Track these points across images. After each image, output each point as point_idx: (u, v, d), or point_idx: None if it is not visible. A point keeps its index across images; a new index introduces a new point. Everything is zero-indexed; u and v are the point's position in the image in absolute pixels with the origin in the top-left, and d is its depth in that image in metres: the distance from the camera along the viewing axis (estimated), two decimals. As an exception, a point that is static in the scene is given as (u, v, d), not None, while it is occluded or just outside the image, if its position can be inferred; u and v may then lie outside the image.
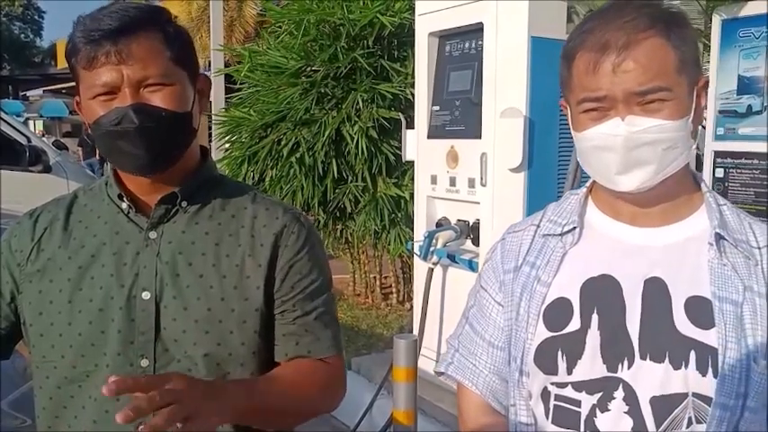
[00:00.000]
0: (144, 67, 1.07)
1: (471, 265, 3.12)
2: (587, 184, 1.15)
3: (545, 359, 1.04)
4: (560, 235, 1.10)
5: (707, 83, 1.05)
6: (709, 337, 0.97)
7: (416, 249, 3.38)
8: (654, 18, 0.98)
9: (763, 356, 0.96)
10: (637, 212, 1.06)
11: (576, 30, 1.06)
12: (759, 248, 1.02)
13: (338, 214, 4.99)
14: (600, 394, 1.00)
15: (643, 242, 1.05)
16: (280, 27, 5.14)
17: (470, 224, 3.25)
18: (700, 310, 0.98)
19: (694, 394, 0.97)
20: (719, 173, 2.55)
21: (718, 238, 1.01)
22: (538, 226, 1.14)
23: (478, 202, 3.13)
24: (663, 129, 0.97)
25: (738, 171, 2.50)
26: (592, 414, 1.01)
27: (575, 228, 1.09)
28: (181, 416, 0.87)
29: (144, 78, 1.07)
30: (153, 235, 1.15)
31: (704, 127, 2.71)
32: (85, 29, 1.07)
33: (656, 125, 0.97)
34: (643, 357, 0.99)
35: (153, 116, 1.08)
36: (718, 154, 2.56)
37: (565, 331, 1.03)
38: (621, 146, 0.98)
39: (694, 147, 1.03)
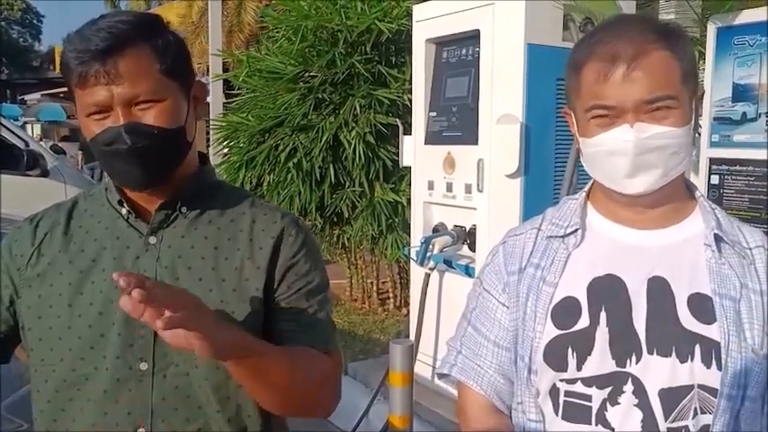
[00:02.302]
0: (134, 85, 1.07)
1: (468, 271, 3.13)
2: (585, 189, 1.20)
3: (555, 356, 1.08)
4: (563, 237, 1.15)
5: (703, 94, 1.10)
6: (711, 332, 1.03)
7: (413, 255, 3.39)
8: (658, 32, 1.05)
9: (762, 348, 1.03)
10: (636, 216, 1.12)
11: (582, 41, 1.12)
12: (750, 249, 1.09)
13: (335, 219, 4.99)
14: (610, 389, 1.05)
15: (643, 243, 1.11)
16: (278, 33, 5.16)
17: (467, 230, 3.26)
18: (701, 307, 1.04)
19: (699, 386, 1.03)
20: (715, 179, 2.56)
21: (717, 239, 1.08)
22: (539, 229, 1.18)
23: (475, 208, 3.15)
24: (669, 135, 1.03)
25: (733, 178, 2.51)
26: (602, 408, 1.05)
27: (577, 230, 1.14)
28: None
29: (134, 96, 1.07)
30: (153, 240, 1.16)
31: (699, 134, 2.73)
32: (75, 49, 1.07)
33: (663, 131, 1.03)
34: (650, 352, 1.04)
35: (145, 135, 1.08)
36: (713, 161, 2.57)
37: (574, 329, 1.07)
38: (631, 151, 1.03)
39: (694, 153, 1.10)
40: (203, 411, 1.13)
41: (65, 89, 1.19)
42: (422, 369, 3.26)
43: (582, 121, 1.10)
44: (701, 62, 2.76)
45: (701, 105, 1.12)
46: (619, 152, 1.04)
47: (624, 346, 1.05)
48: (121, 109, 1.07)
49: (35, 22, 41.55)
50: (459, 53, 3.30)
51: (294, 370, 1.11)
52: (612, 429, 1.04)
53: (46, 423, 1.16)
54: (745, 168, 2.47)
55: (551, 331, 1.09)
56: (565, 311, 1.09)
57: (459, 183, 3.22)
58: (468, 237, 3.25)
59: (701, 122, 2.63)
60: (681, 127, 1.04)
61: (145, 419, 1.11)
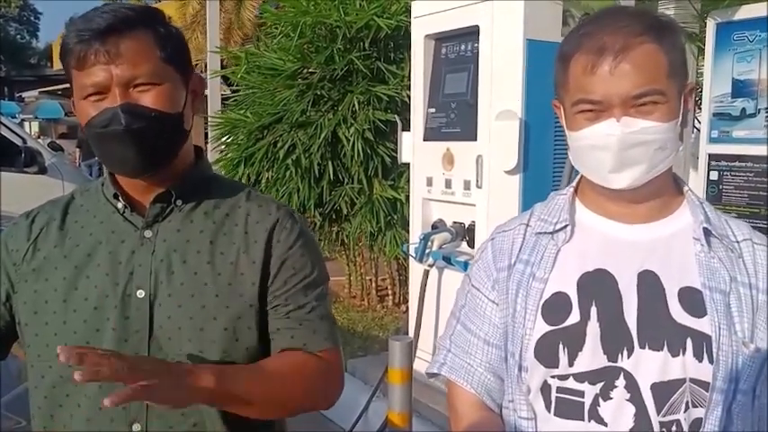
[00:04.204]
0: (133, 67, 1.07)
1: (467, 268, 3.11)
2: (572, 184, 1.20)
3: (546, 353, 1.07)
4: (552, 233, 1.14)
5: (693, 88, 1.11)
6: (702, 325, 1.03)
7: (412, 251, 3.39)
8: (647, 25, 1.03)
9: (751, 341, 1.03)
10: (624, 210, 1.11)
11: (572, 33, 1.11)
12: (738, 242, 1.09)
13: (334, 216, 4.99)
14: (602, 384, 1.05)
15: (633, 238, 1.10)
16: (276, 29, 5.15)
17: (466, 226, 3.25)
18: (692, 300, 1.04)
19: (691, 380, 1.02)
20: (714, 175, 2.56)
21: (706, 232, 1.08)
22: (527, 225, 1.18)
23: (474, 205, 3.14)
24: (655, 130, 1.03)
25: (733, 174, 2.51)
26: (595, 403, 1.05)
27: (566, 225, 1.13)
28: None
29: (133, 78, 1.07)
30: (148, 234, 1.15)
31: (699, 130, 2.72)
32: (76, 29, 1.07)
33: (649, 126, 1.02)
34: (642, 346, 1.04)
35: (142, 117, 1.07)
36: (712, 157, 2.57)
37: (565, 324, 1.07)
38: (616, 145, 1.03)
39: (681, 148, 1.07)
40: (198, 407, 1.12)
41: (63, 86, 1.19)
42: (421, 366, 3.25)
43: (569, 114, 1.09)
44: (700, 58, 2.76)
45: (691, 99, 1.11)
46: (603, 147, 1.04)
47: (615, 340, 1.04)
48: (119, 90, 1.07)
49: (32, 19, 41.51)
50: (458, 49, 3.30)
51: (272, 387, 1.12)
52: (606, 424, 1.04)
53: (43, 419, 1.15)
54: (744, 164, 2.47)
55: (542, 327, 1.08)
56: (555, 307, 1.08)
57: (458, 179, 3.21)
58: (467, 233, 3.25)
59: (699, 118, 2.62)
60: (667, 122, 1.03)
61: (140, 415, 1.10)
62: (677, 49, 1.06)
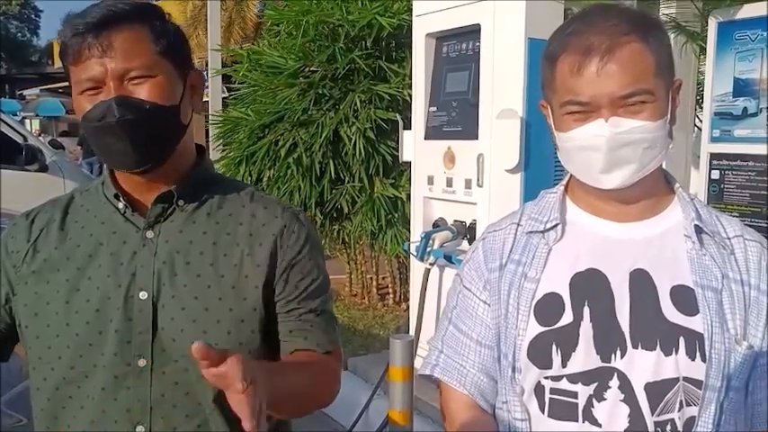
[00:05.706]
0: (127, 60, 1.06)
1: (468, 266, 3.12)
2: (563, 183, 1.19)
3: (539, 353, 1.06)
4: (543, 232, 1.13)
5: (680, 85, 1.10)
6: (694, 324, 1.02)
7: (413, 250, 3.39)
8: (633, 24, 1.02)
9: (744, 338, 1.03)
10: (615, 209, 1.11)
11: (558, 32, 1.09)
12: (729, 238, 1.09)
13: (335, 215, 4.99)
14: (595, 384, 1.04)
15: (624, 236, 1.10)
16: (278, 26, 5.15)
17: (467, 225, 3.25)
18: (684, 298, 1.04)
19: (684, 378, 1.02)
20: (715, 175, 2.56)
21: (698, 230, 1.07)
22: (518, 224, 1.17)
23: (475, 203, 3.14)
24: (644, 129, 1.02)
25: (734, 173, 2.51)
26: (589, 404, 1.04)
27: (557, 225, 1.13)
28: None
29: (127, 71, 1.07)
30: (150, 234, 1.14)
31: (700, 129, 2.72)
32: (71, 23, 1.07)
33: (638, 126, 1.02)
34: (635, 346, 1.03)
35: (135, 108, 1.07)
36: (713, 156, 2.56)
37: (558, 325, 1.06)
38: (605, 146, 1.02)
39: (671, 146, 1.08)
40: (202, 408, 1.11)
41: (64, 84, 1.19)
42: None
43: (557, 115, 1.08)
44: (701, 57, 2.75)
45: (678, 96, 1.10)
46: (593, 147, 1.03)
47: (608, 340, 1.04)
48: (114, 83, 1.06)
49: (33, 17, 41.49)
50: (460, 48, 3.29)
51: (310, 383, 1.13)
52: (600, 425, 1.03)
53: (46, 421, 1.15)
54: (745, 164, 2.47)
55: (534, 328, 1.07)
56: (548, 308, 1.07)
57: (460, 178, 3.21)
58: (468, 232, 3.25)
59: (700, 117, 2.62)
60: (656, 121, 1.02)
61: (144, 416, 1.10)
62: (664, 47, 1.05)
